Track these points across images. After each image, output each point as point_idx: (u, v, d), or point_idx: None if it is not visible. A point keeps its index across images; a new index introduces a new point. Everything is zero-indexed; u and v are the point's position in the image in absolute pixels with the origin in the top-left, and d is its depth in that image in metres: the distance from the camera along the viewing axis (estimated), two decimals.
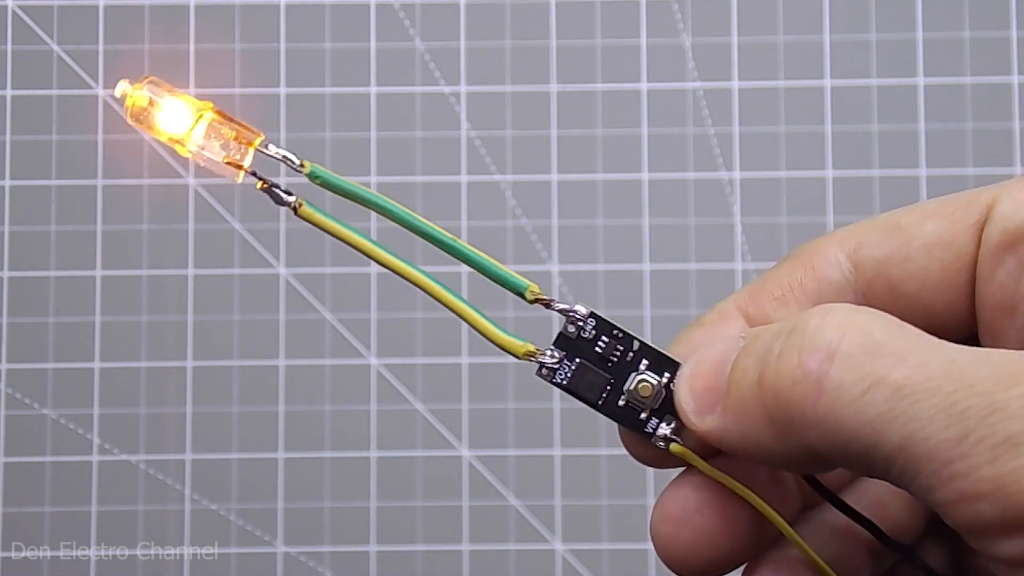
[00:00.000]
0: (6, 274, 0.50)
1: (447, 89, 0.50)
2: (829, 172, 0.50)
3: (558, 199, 0.50)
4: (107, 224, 0.50)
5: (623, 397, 0.24)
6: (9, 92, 0.50)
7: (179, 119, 0.25)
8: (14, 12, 0.50)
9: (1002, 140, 0.50)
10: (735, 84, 0.50)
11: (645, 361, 0.24)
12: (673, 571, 0.24)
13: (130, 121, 0.25)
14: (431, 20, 0.51)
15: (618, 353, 0.24)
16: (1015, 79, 0.50)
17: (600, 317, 0.24)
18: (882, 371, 0.20)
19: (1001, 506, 0.18)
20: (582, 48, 0.50)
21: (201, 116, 0.25)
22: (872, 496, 0.25)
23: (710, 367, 0.23)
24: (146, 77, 0.25)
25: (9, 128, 0.50)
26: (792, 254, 0.25)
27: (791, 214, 0.50)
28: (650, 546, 0.50)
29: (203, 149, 0.25)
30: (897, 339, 0.20)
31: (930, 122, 0.50)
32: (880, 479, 0.20)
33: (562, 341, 0.25)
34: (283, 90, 0.50)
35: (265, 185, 0.25)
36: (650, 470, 0.49)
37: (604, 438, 0.49)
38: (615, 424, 0.25)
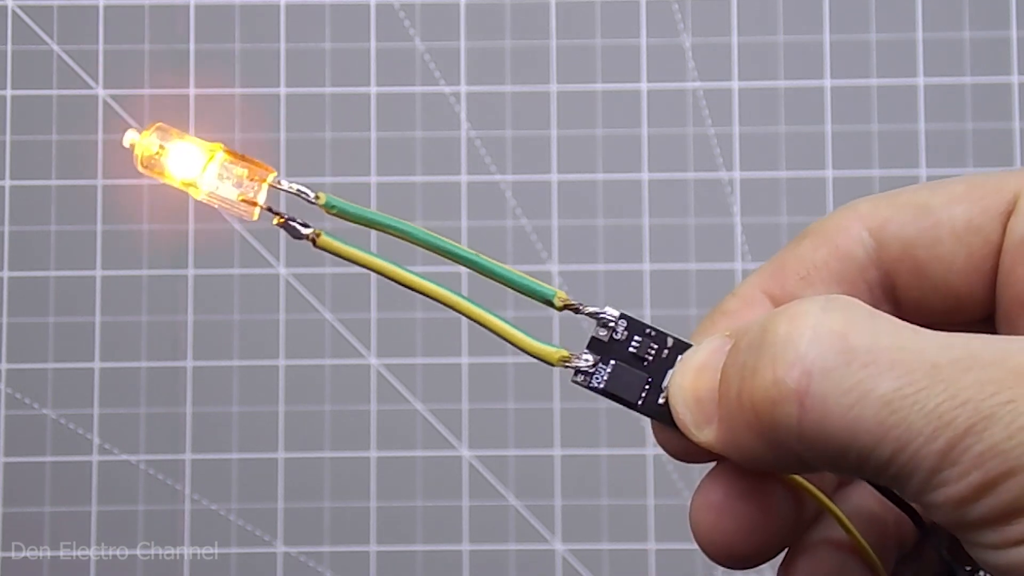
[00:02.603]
0: (6, 274, 0.50)
1: (447, 89, 0.50)
2: (829, 172, 0.50)
3: (558, 199, 0.50)
4: (107, 224, 0.50)
5: (662, 395, 0.24)
6: (9, 92, 0.50)
7: (190, 163, 0.25)
8: (14, 12, 0.50)
9: (1002, 140, 0.50)
10: (735, 84, 0.50)
11: (680, 357, 0.24)
12: (716, 561, 0.24)
13: (141, 169, 0.25)
14: (431, 20, 0.51)
15: (653, 351, 0.24)
16: (1015, 79, 0.50)
17: (631, 318, 0.24)
18: (867, 384, 0.20)
19: (987, 507, 0.19)
20: (582, 48, 0.50)
21: (212, 157, 0.25)
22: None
23: (698, 375, 0.23)
24: (153, 124, 0.25)
25: (9, 128, 0.50)
26: (812, 229, 0.24)
27: (791, 214, 0.50)
28: (650, 546, 0.50)
29: (216, 190, 0.25)
30: (873, 340, 0.20)
31: (930, 122, 0.50)
32: (869, 480, 0.21)
33: (594, 345, 0.24)
34: (283, 90, 0.50)
35: (282, 220, 0.25)
36: (650, 470, 0.49)
37: (604, 438, 0.49)
38: (636, 418, 0.25)
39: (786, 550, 0.25)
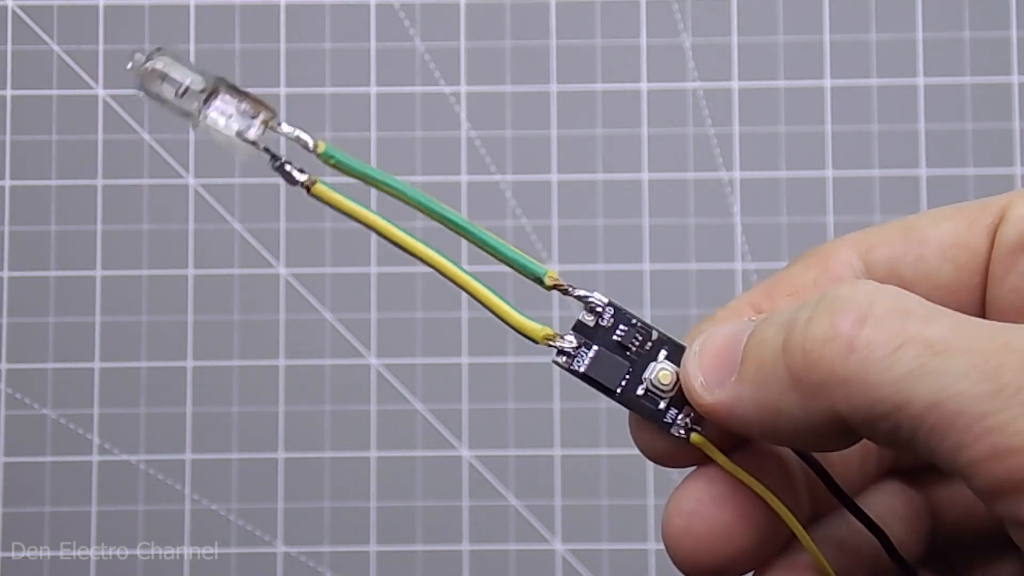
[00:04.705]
0: (6, 274, 0.50)
1: (447, 89, 0.50)
2: (829, 172, 0.50)
3: (558, 199, 0.50)
4: (107, 224, 0.50)
5: (642, 386, 0.24)
6: (9, 92, 0.50)
7: (190, 91, 0.24)
8: (14, 12, 0.50)
9: (1002, 140, 0.50)
10: (735, 84, 0.50)
11: (664, 351, 0.24)
12: (682, 569, 0.23)
13: (141, 94, 0.24)
14: (431, 20, 0.51)
15: (637, 342, 0.24)
16: (1015, 79, 0.50)
17: (618, 306, 0.24)
18: (914, 330, 0.19)
19: None
20: (582, 48, 0.50)
21: (215, 88, 0.24)
22: (873, 513, 0.24)
23: (721, 343, 0.22)
24: (157, 48, 0.24)
25: (9, 128, 0.50)
26: (804, 255, 0.24)
27: (791, 214, 0.50)
28: (650, 546, 0.50)
29: (214, 124, 0.24)
30: (928, 306, 0.20)
31: (930, 122, 0.50)
32: (905, 448, 0.20)
33: (580, 328, 0.24)
34: (283, 90, 0.50)
35: (277, 163, 0.24)
36: (650, 470, 0.49)
37: (604, 438, 0.49)
38: (627, 417, 0.24)
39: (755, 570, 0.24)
